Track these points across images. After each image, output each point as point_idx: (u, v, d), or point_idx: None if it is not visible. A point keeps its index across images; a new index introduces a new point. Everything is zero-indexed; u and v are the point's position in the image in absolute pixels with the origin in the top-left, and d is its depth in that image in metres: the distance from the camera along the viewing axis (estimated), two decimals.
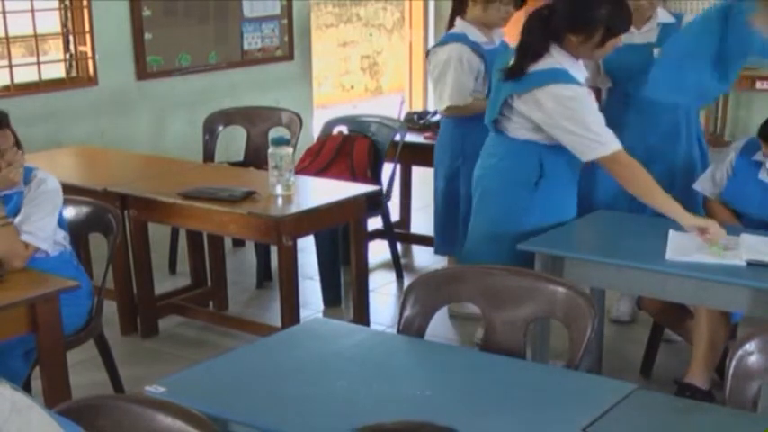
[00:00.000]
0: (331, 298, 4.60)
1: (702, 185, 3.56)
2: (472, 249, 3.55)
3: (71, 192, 3.73)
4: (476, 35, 4.12)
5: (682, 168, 3.94)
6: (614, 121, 3.70)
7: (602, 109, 4.05)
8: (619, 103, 3.95)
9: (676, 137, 3.95)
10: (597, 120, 3.24)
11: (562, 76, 3.21)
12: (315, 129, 6.38)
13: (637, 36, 3.89)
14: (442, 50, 4.14)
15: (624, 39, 3.80)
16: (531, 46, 3.25)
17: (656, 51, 3.87)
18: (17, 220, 3.11)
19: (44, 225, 3.11)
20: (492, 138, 3.49)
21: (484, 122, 3.48)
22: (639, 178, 3.23)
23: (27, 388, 3.07)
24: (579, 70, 3.30)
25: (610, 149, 3.20)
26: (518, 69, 3.26)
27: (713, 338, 3.34)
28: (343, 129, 4.94)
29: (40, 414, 1.39)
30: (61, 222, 3.30)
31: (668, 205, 3.20)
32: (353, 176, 4.57)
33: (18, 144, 3.16)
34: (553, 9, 3.24)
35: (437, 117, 5.15)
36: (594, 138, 3.20)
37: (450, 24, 4.22)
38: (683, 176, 3.88)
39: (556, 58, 3.24)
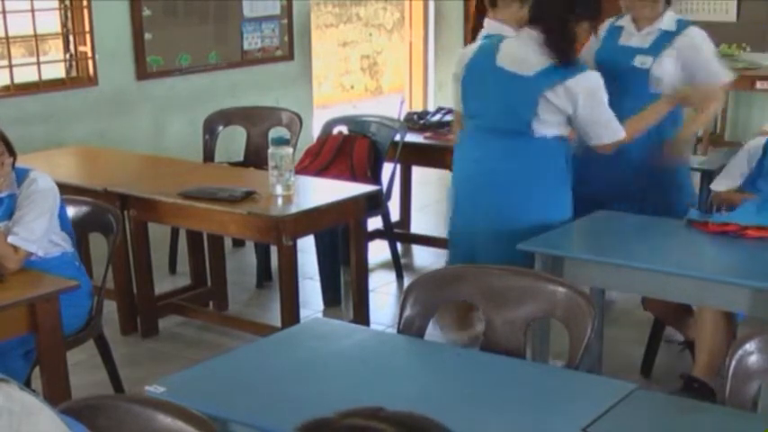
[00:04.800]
0: (331, 298, 4.60)
1: (719, 184, 3.62)
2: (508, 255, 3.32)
3: (71, 192, 3.74)
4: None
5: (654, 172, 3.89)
6: None
7: None
8: None
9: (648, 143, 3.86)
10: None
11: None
12: (315, 129, 6.37)
13: (635, 38, 3.85)
14: None
15: (623, 39, 3.86)
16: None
17: (638, 59, 3.80)
18: (11, 222, 3.11)
19: (34, 227, 3.09)
20: (494, 140, 3.48)
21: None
22: None
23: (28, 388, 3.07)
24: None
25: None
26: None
27: (716, 341, 3.33)
28: (343, 129, 4.94)
29: (50, 416, 1.39)
30: (64, 223, 3.29)
31: (648, 114, 3.56)
32: (353, 176, 4.57)
33: (10, 150, 3.15)
34: None
35: (437, 117, 5.15)
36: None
37: (478, 24, 4.13)
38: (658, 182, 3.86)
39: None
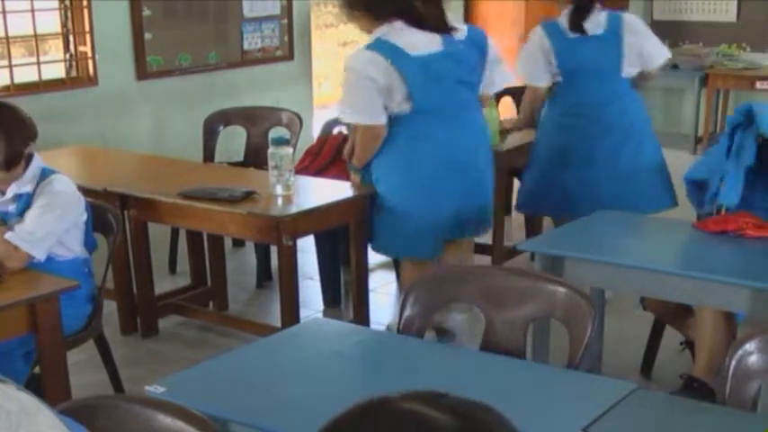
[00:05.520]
0: (331, 298, 4.59)
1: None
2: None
3: None
4: None
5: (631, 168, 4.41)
6: None
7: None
8: None
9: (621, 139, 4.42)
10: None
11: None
12: (315, 129, 6.37)
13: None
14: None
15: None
16: None
17: None
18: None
19: (35, 228, 3.04)
20: (466, 121, 3.87)
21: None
22: (359, 144, 3.83)
23: (29, 388, 3.06)
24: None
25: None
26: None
27: (716, 341, 3.33)
28: (343, 129, 4.93)
29: (48, 415, 1.38)
30: (87, 229, 3.27)
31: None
32: None
33: (10, 149, 3.12)
34: None
35: None
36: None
37: None
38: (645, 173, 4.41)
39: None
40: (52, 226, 3.10)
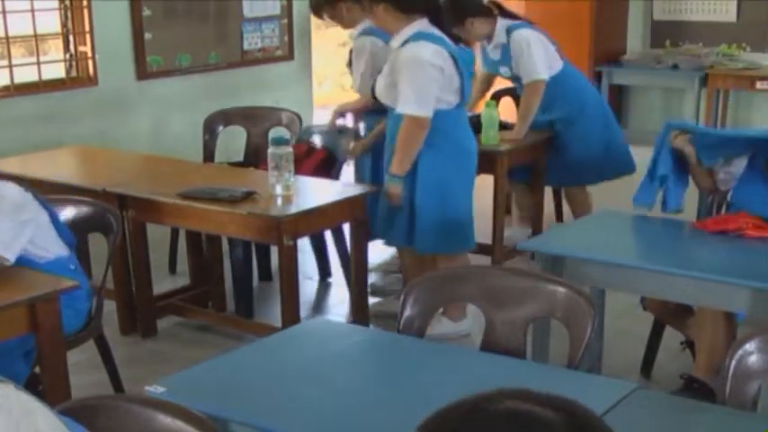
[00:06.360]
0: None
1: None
2: None
3: (71, 192, 3.73)
4: None
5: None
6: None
7: None
8: None
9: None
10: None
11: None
12: None
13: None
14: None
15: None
16: None
17: (502, 70, 4.91)
18: None
19: None
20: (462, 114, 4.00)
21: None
22: (407, 140, 3.77)
23: (29, 389, 3.05)
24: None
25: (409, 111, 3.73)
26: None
27: (716, 341, 3.33)
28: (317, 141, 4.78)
29: (47, 415, 1.38)
30: (59, 228, 3.26)
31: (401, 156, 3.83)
32: None
33: None
34: None
35: None
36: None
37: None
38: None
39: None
40: (10, 229, 3.03)
